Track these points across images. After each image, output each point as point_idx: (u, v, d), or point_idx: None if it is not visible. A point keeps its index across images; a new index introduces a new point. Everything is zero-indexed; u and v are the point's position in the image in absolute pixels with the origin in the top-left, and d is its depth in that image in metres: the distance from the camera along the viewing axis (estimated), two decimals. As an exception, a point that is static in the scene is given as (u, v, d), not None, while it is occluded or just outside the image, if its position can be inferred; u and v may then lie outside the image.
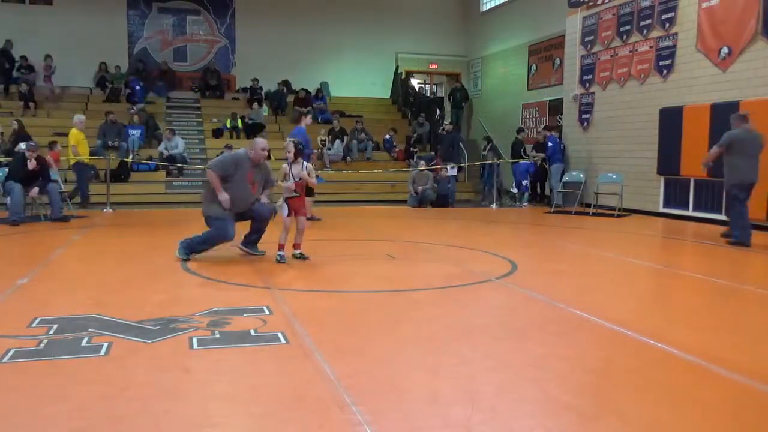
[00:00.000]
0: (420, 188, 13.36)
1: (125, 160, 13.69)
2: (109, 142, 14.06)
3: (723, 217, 9.56)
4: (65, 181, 11.72)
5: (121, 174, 13.39)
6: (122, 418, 2.64)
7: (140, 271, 5.88)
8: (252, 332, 3.88)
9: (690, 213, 11.00)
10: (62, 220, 9.61)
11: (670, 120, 11.15)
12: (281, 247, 6.30)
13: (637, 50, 12.14)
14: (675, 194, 11.41)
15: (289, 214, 6.30)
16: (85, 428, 2.57)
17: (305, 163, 6.43)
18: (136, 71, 17.49)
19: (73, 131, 11.77)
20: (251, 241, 6.69)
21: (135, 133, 14.57)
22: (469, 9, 19.92)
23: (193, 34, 18.71)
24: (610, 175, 12.28)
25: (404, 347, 3.71)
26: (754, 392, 3.10)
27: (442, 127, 15.59)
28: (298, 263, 6.32)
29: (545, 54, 15.93)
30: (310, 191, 8.42)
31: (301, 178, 6.25)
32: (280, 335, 3.80)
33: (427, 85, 22.67)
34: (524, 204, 13.95)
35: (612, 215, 11.56)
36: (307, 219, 7.24)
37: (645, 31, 11.94)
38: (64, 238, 8.03)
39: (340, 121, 16.59)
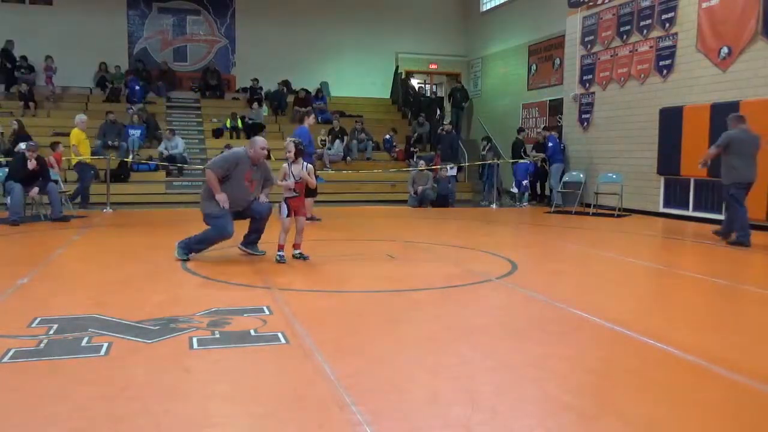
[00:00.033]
0: (420, 188, 13.36)
1: (125, 160, 13.69)
2: (109, 142, 14.06)
3: (723, 217, 9.55)
4: (65, 181, 11.71)
5: (121, 174, 13.39)
6: (122, 418, 2.64)
7: (140, 271, 5.88)
8: (252, 332, 3.88)
9: (690, 213, 11.01)
10: (62, 220, 9.61)
11: (670, 120, 11.15)
12: (281, 247, 6.30)
13: (637, 50, 12.14)
14: (675, 194, 11.41)
15: (288, 215, 6.30)
16: (85, 428, 2.57)
17: (305, 163, 6.43)
18: (136, 71, 17.50)
19: (75, 131, 11.77)
20: (251, 241, 6.69)
21: (135, 133, 14.58)
22: (469, 9, 19.92)
23: (193, 34, 18.71)
24: (610, 175, 12.28)
25: (404, 347, 3.71)
26: (754, 392, 3.10)
27: (441, 128, 15.59)
28: (298, 263, 6.32)
29: (545, 54, 15.94)
30: (312, 192, 8.44)
31: (301, 178, 6.25)
32: (280, 335, 3.80)
33: (427, 85, 22.67)
34: (524, 204, 13.95)
35: (612, 215, 11.56)
36: (307, 219, 7.24)
37: (645, 31, 11.94)
38: (64, 238, 8.03)
39: (340, 121, 16.59)
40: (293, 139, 6.52)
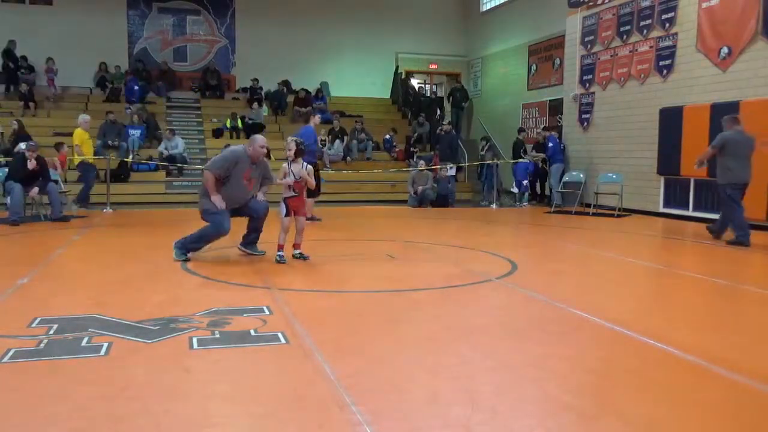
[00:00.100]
0: (420, 188, 13.36)
1: (125, 160, 13.70)
2: (109, 142, 14.06)
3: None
4: (65, 181, 11.72)
5: (121, 174, 13.39)
6: (122, 418, 2.64)
7: (140, 271, 5.87)
8: (252, 332, 3.88)
9: (690, 213, 11.01)
10: (62, 220, 9.61)
11: (670, 120, 11.15)
12: (280, 247, 6.30)
13: (637, 50, 12.14)
14: (675, 194, 11.41)
15: (287, 214, 6.30)
16: (85, 428, 2.57)
17: (305, 162, 6.42)
18: (136, 71, 17.50)
19: (78, 131, 11.79)
20: (250, 241, 6.68)
21: (135, 133, 14.58)
22: (469, 9, 19.92)
23: (193, 34, 18.71)
24: (610, 175, 12.28)
25: (404, 347, 3.71)
26: (754, 392, 3.10)
27: (440, 128, 15.59)
28: (298, 263, 6.32)
29: (545, 54, 15.94)
30: (313, 192, 8.44)
31: (300, 177, 6.24)
32: (280, 335, 3.80)
33: (427, 85, 22.68)
34: (524, 204, 13.95)
35: (612, 215, 11.56)
36: (307, 219, 7.23)
37: (645, 31, 11.94)
38: (64, 238, 8.03)
39: (340, 121, 16.59)
40: (295, 138, 6.51)
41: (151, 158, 14.13)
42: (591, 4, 13.32)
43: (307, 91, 17.85)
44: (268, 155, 6.72)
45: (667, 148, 11.24)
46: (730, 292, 5.59)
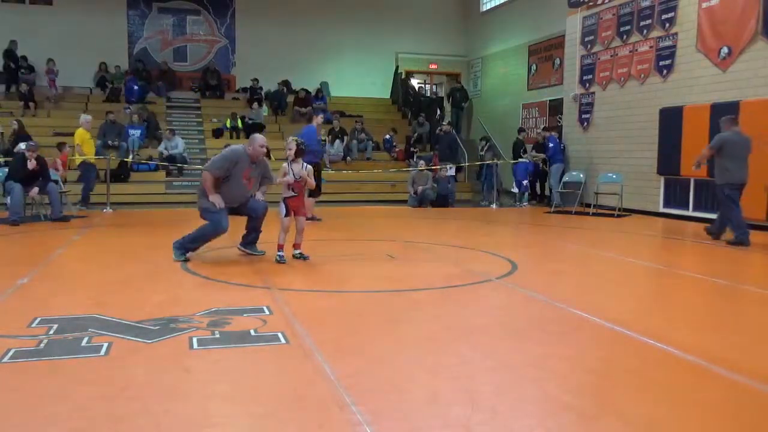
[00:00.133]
0: (420, 188, 13.36)
1: (125, 160, 13.70)
2: (109, 142, 14.06)
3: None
4: (65, 181, 11.72)
5: (121, 174, 13.40)
6: (122, 418, 2.64)
7: (140, 271, 5.87)
8: (252, 332, 3.88)
9: (690, 213, 11.01)
10: (62, 220, 9.61)
11: (670, 120, 11.15)
12: (280, 247, 6.30)
13: (637, 50, 12.15)
14: (675, 194, 11.41)
15: (287, 214, 6.30)
16: (85, 428, 2.57)
17: (305, 163, 6.42)
18: (136, 71, 17.50)
19: (80, 131, 11.81)
20: (250, 241, 6.68)
21: (135, 133, 14.58)
22: (469, 9, 19.92)
23: (193, 34, 18.71)
24: (610, 175, 12.28)
25: (404, 347, 3.71)
26: (754, 392, 3.10)
27: (439, 128, 15.59)
28: (298, 263, 6.32)
29: (545, 54, 15.94)
30: (314, 191, 8.45)
31: (300, 177, 6.24)
32: (280, 335, 3.80)
33: (427, 85, 22.68)
34: (524, 204, 13.96)
35: (612, 215, 11.56)
36: (307, 219, 7.23)
37: (645, 31, 11.94)
38: (64, 238, 8.03)
39: (340, 121, 16.59)
40: (296, 138, 6.52)
41: (151, 158, 14.13)
42: (591, 4, 13.32)
43: (307, 91, 17.85)
44: (267, 155, 6.72)
45: (667, 148, 11.24)
46: (730, 292, 5.59)
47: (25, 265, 6.13)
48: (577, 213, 12.05)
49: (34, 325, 3.97)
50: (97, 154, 12.85)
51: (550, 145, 13.68)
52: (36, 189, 9.51)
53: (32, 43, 16.65)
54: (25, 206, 9.80)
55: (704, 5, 10.61)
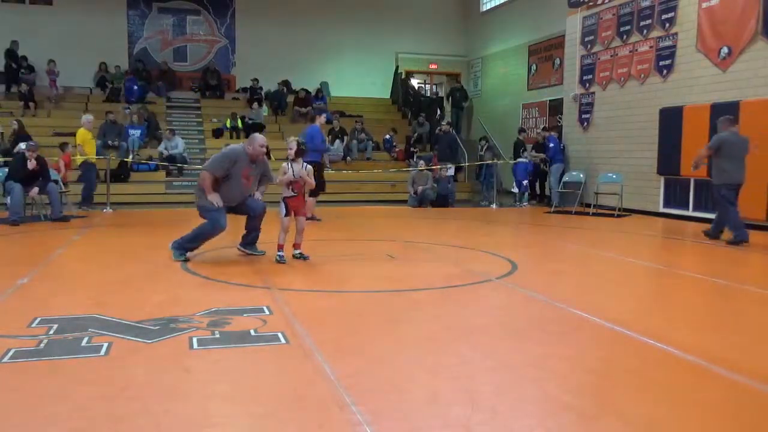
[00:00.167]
0: (420, 188, 13.36)
1: (125, 160, 13.70)
2: (109, 142, 14.06)
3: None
4: (65, 182, 11.71)
5: (121, 174, 13.39)
6: (122, 418, 2.64)
7: (140, 271, 5.87)
8: (252, 332, 3.88)
9: (690, 213, 11.01)
10: (62, 220, 9.61)
11: (670, 120, 11.15)
12: (280, 247, 6.30)
13: (637, 50, 12.14)
14: (675, 194, 11.41)
15: (287, 214, 6.30)
16: (85, 428, 2.57)
17: (305, 163, 6.42)
18: (136, 71, 17.50)
19: (81, 131, 11.82)
20: (250, 241, 6.67)
21: (135, 133, 14.58)
22: (469, 9, 19.93)
23: (193, 34, 18.72)
24: (610, 175, 12.28)
25: (404, 347, 3.71)
26: (754, 392, 3.10)
27: (438, 128, 15.59)
28: (298, 263, 6.32)
29: (545, 54, 15.94)
30: (317, 190, 8.46)
31: (300, 177, 6.24)
32: (280, 335, 3.80)
33: (427, 85, 22.68)
34: (524, 204, 13.95)
35: (612, 215, 11.56)
36: (307, 219, 7.23)
37: (645, 31, 11.94)
38: (64, 238, 8.03)
39: (340, 121, 16.59)
40: (297, 138, 6.52)
41: (151, 158, 14.13)
42: (591, 4, 13.32)
43: (307, 91, 17.85)
44: (267, 155, 6.71)
45: (667, 148, 11.24)
46: (730, 292, 5.59)
47: (25, 265, 6.13)
48: (577, 213, 12.05)
49: (34, 325, 3.97)
50: (97, 154, 12.85)
51: (551, 145, 13.67)
52: (36, 189, 9.51)
53: (32, 43, 16.65)
54: (25, 206, 9.80)
55: (704, 5, 10.61)
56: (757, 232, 8.67)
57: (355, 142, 16.09)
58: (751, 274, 6.69)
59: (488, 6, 18.93)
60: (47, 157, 10.33)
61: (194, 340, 3.71)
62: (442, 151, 14.67)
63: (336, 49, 19.18)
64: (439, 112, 18.45)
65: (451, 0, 20.14)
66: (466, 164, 15.48)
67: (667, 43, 11.42)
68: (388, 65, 19.54)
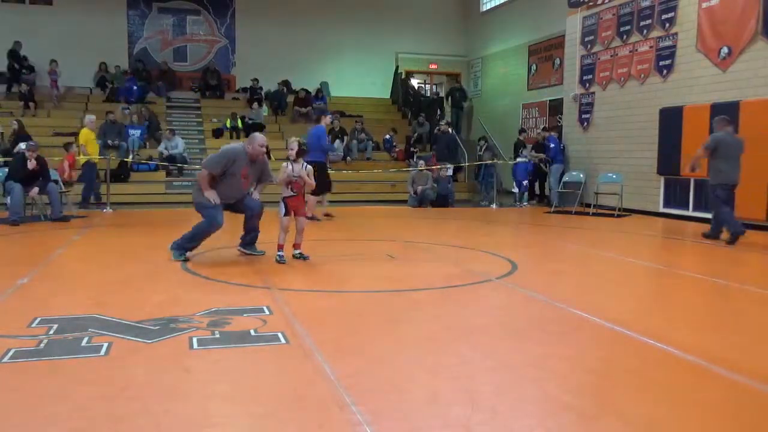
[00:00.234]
0: (419, 188, 13.36)
1: (125, 160, 13.70)
2: (109, 142, 14.05)
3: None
4: (65, 183, 11.70)
5: (121, 174, 13.40)
6: (122, 418, 2.64)
7: (140, 271, 5.87)
8: (252, 332, 3.88)
9: (690, 213, 11.01)
10: (62, 220, 9.61)
11: (670, 120, 11.15)
12: (280, 247, 6.30)
13: (637, 50, 12.14)
14: (675, 194, 11.41)
15: (287, 214, 6.30)
16: (85, 428, 2.57)
17: (305, 163, 6.42)
18: (136, 71, 17.50)
19: (84, 131, 11.85)
20: (249, 241, 6.67)
21: (135, 133, 14.59)
22: (469, 9, 19.93)
23: (193, 34, 18.72)
24: (610, 175, 12.28)
25: (404, 347, 3.71)
26: (754, 392, 3.10)
27: (437, 128, 15.59)
28: (298, 263, 6.32)
29: (545, 54, 15.94)
30: (319, 190, 8.46)
31: (299, 176, 6.24)
32: (280, 335, 3.80)
33: (427, 85, 22.67)
34: (524, 204, 13.95)
35: (612, 215, 11.56)
36: (307, 219, 7.23)
37: (645, 31, 11.94)
38: (64, 238, 8.03)
39: (340, 121, 16.59)
40: (298, 138, 6.52)
41: (151, 158, 14.13)
42: (591, 4, 13.32)
43: (307, 91, 17.85)
44: (267, 154, 6.71)
45: (667, 148, 11.24)
46: (730, 292, 5.59)
47: (25, 265, 6.13)
48: (577, 213, 12.05)
49: (34, 325, 3.97)
50: (98, 154, 12.85)
51: (551, 145, 13.67)
52: (36, 189, 9.51)
53: (32, 44, 16.65)
54: (25, 206, 9.80)
55: (704, 5, 10.61)
56: (757, 232, 8.67)
57: (355, 142, 16.09)
58: (751, 274, 6.69)
59: (488, 6, 18.93)
60: (47, 157, 10.33)
61: (194, 340, 3.71)
62: (441, 151, 14.67)
63: (336, 49, 19.18)
64: (439, 112, 18.45)
65: (451, 0, 20.14)
66: (466, 164, 15.48)
67: (667, 43, 11.42)
68: (388, 65, 19.53)
